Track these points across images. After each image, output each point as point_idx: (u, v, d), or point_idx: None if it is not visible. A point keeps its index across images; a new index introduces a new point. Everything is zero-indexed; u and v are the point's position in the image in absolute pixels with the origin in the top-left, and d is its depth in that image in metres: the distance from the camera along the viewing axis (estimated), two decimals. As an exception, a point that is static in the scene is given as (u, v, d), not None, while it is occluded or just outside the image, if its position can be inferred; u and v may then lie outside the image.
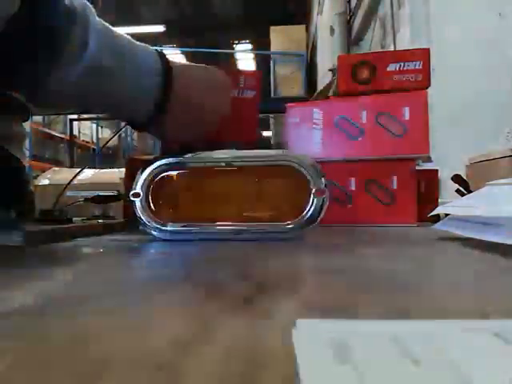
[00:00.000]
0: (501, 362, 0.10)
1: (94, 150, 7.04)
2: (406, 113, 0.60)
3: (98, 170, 1.92)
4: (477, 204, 0.35)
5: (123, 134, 6.25)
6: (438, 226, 0.40)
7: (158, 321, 0.16)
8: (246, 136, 0.55)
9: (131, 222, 0.49)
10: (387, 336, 0.11)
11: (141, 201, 0.40)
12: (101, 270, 0.27)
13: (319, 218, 0.39)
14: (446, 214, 0.41)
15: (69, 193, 0.50)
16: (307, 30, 5.90)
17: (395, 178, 0.60)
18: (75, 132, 6.34)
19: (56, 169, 2.18)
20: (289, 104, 0.67)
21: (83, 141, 6.96)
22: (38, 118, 6.04)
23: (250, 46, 7.41)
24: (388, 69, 0.63)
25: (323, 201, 0.39)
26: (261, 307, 0.17)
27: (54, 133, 6.54)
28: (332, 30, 3.83)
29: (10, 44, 0.32)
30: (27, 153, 4.38)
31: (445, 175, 0.77)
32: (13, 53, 0.32)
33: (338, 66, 0.66)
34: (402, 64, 0.62)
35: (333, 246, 0.40)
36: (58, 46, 0.33)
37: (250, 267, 0.27)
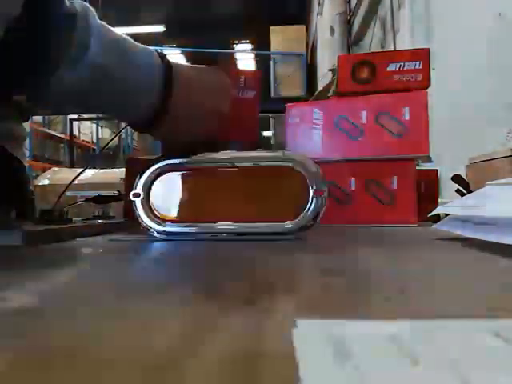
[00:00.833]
0: (501, 362, 0.10)
1: (93, 150, 7.05)
2: (406, 113, 0.60)
3: (98, 170, 1.92)
4: (477, 204, 0.35)
5: (123, 135, 6.24)
6: (438, 225, 0.40)
7: (157, 321, 0.16)
8: (246, 136, 0.55)
9: (131, 222, 0.49)
10: (387, 336, 0.11)
11: (141, 201, 0.40)
12: (100, 270, 0.27)
13: (319, 218, 0.39)
14: (446, 214, 0.41)
15: (69, 193, 0.50)
16: (307, 30, 5.90)
17: (395, 177, 0.60)
18: (75, 132, 6.34)
19: (56, 169, 2.18)
20: (289, 104, 0.67)
21: (83, 141, 6.96)
22: (38, 118, 6.03)
23: (249, 46, 7.41)
24: (388, 69, 0.63)
25: (323, 201, 0.39)
26: (261, 307, 0.17)
27: (54, 133, 6.54)
28: (332, 30, 3.83)
29: (12, 45, 0.32)
30: (27, 153, 4.38)
31: (445, 175, 0.77)
32: (14, 54, 0.32)
33: (338, 66, 0.66)
34: (402, 64, 0.62)
35: (333, 246, 0.40)
36: (59, 47, 0.33)
37: (249, 267, 0.27)
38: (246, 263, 0.29)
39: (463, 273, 0.25)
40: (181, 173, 0.42)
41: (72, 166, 5.06)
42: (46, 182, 1.88)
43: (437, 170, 0.72)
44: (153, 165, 0.41)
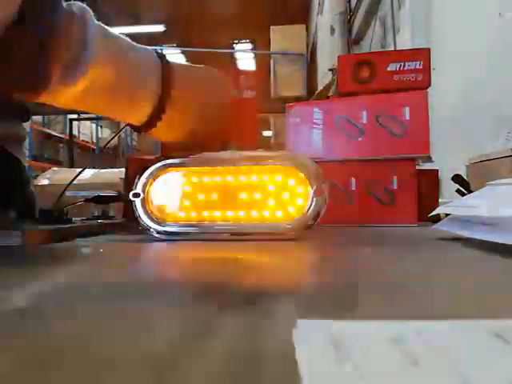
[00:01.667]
0: (501, 361, 0.10)
1: (93, 149, 7.04)
2: (406, 113, 0.60)
3: (97, 170, 1.92)
4: (477, 204, 0.35)
5: (123, 134, 6.24)
6: (438, 226, 0.40)
7: (157, 321, 0.16)
8: (246, 136, 0.55)
9: (131, 222, 0.49)
10: (387, 336, 0.11)
11: (141, 201, 0.40)
12: (100, 270, 0.27)
13: (319, 218, 0.39)
14: (447, 214, 0.41)
15: (68, 193, 0.50)
16: (307, 29, 5.90)
17: (395, 177, 0.60)
18: (75, 132, 6.34)
19: (56, 169, 2.18)
20: (289, 104, 0.67)
21: (83, 141, 6.96)
22: (37, 118, 6.03)
23: (249, 46, 7.41)
24: (388, 69, 0.63)
25: (323, 201, 0.39)
26: (261, 307, 0.17)
27: (53, 133, 6.54)
28: (332, 30, 3.83)
29: (11, 45, 0.32)
30: (27, 153, 4.38)
31: (445, 175, 0.77)
32: (14, 54, 0.32)
33: (338, 66, 0.66)
34: (403, 64, 0.62)
35: (333, 246, 0.40)
36: (57, 48, 0.33)
37: (249, 267, 0.27)
38: (246, 263, 0.29)
39: (463, 273, 0.25)
40: (180, 173, 0.42)
41: (72, 165, 5.06)
42: (46, 182, 1.88)
43: (437, 170, 0.72)
44: (152, 165, 0.41)
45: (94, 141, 7.15)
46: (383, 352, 0.10)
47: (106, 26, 0.38)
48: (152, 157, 0.43)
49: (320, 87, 3.00)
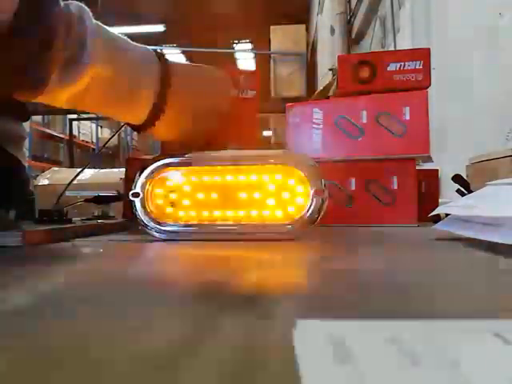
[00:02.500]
0: (501, 361, 0.10)
1: (93, 149, 7.04)
2: (407, 113, 0.60)
3: (97, 170, 1.92)
4: (477, 204, 0.35)
5: (123, 134, 6.24)
6: (438, 226, 0.40)
7: (157, 320, 0.15)
8: (246, 136, 0.55)
9: (131, 222, 0.49)
10: (387, 336, 0.11)
11: (140, 201, 0.40)
12: (100, 270, 0.27)
13: (319, 218, 0.39)
14: (447, 214, 0.41)
15: (68, 193, 0.50)
16: (307, 29, 5.90)
17: (395, 177, 0.60)
18: (75, 132, 6.34)
19: (56, 169, 2.18)
20: (289, 104, 0.67)
21: (83, 141, 6.96)
22: (37, 118, 6.03)
23: (249, 46, 7.41)
24: (388, 68, 0.63)
25: (323, 201, 0.39)
26: (261, 307, 0.17)
27: (53, 133, 6.54)
28: (332, 30, 3.83)
29: (8, 47, 0.32)
30: (27, 153, 4.37)
31: (445, 175, 0.77)
32: (13, 54, 0.32)
33: (338, 66, 0.66)
34: (403, 64, 0.62)
35: (333, 246, 0.40)
36: (55, 48, 0.33)
37: (249, 267, 0.27)
38: (246, 263, 0.29)
39: (463, 273, 0.25)
40: (180, 172, 0.42)
41: (72, 165, 5.06)
42: (46, 182, 1.87)
43: (437, 170, 0.72)
44: (151, 164, 0.41)
45: (94, 141, 7.14)
46: (383, 352, 0.10)
47: (104, 26, 0.38)
48: (151, 156, 0.43)
49: (320, 87, 3.00)
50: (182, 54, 6.79)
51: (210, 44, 5.52)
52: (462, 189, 0.58)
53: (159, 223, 0.40)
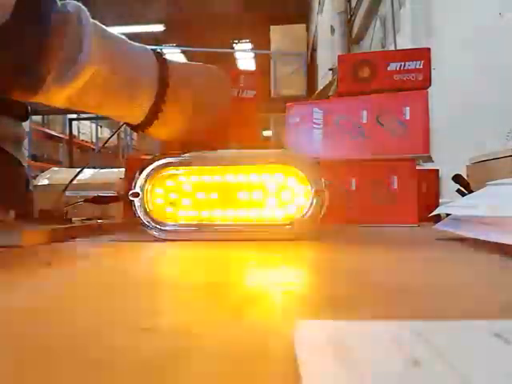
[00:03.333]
0: (501, 361, 0.10)
1: (93, 149, 7.04)
2: (407, 112, 0.60)
3: (97, 170, 1.92)
4: (478, 204, 0.35)
5: (122, 134, 6.24)
6: (438, 226, 0.40)
7: (157, 320, 0.15)
8: (246, 135, 0.55)
9: (131, 222, 0.49)
10: (387, 336, 0.11)
11: (140, 200, 0.40)
12: (100, 270, 0.27)
13: (319, 218, 0.39)
14: (447, 214, 0.41)
15: (68, 193, 0.50)
16: (307, 29, 5.90)
17: (395, 177, 0.60)
18: (74, 132, 6.33)
19: (55, 169, 2.18)
20: (289, 104, 0.67)
21: (82, 140, 6.95)
22: (37, 118, 6.03)
23: (249, 46, 7.41)
24: (388, 68, 0.63)
25: (323, 201, 0.39)
26: (260, 307, 0.17)
27: (53, 133, 6.53)
28: (332, 30, 3.83)
29: (5, 46, 0.32)
30: (27, 153, 4.38)
31: (445, 175, 0.77)
32: (8, 54, 0.32)
33: (338, 66, 0.66)
34: (403, 63, 0.62)
35: (332, 246, 0.40)
36: (52, 48, 0.33)
37: (249, 267, 0.27)
38: (245, 263, 0.29)
39: (463, 273, 0.25)
40: (179, 172, 0.42)
41: (71, 165, 5.06)
42: (46, 181, 1.87)
43: (437, 170, 0.72)
44: (151, 164, 0.41)
45: (94, 141, 7.14)
46: (383, 352, 0.10)
47: (102, 25, 0.38)
48: (151, 156, 0.43)
49: (320, 87, 3.00)
50: (182, 54, 6.79)
51: (210, 44, 5.52)
52: (462, 189, 0.58)
53: (159, 223, 0.40)
